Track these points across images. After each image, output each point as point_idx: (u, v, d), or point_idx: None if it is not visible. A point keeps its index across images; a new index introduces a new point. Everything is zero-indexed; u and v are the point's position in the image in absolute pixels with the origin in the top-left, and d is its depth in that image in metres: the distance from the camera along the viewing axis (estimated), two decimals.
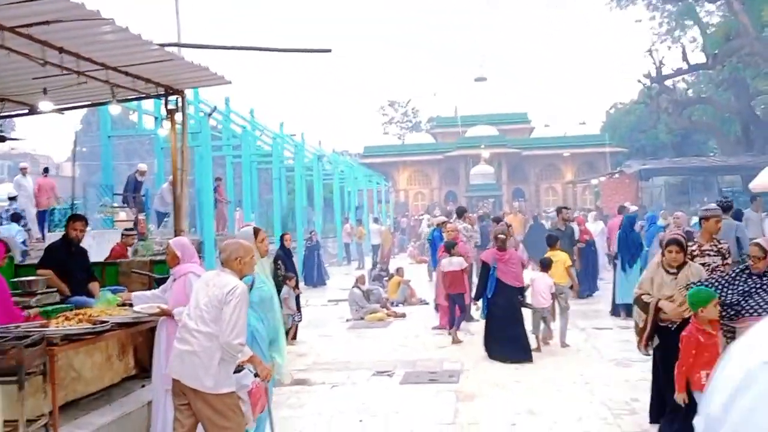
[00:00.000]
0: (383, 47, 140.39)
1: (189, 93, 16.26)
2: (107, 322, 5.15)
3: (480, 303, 9.26)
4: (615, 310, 11.64)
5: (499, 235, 9.15)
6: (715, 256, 6.23)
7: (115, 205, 14.82)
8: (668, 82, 45.07)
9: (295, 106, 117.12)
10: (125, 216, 14.92)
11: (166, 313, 5.23)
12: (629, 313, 11.39)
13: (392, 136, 71.94)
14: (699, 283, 5.19)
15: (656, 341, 5.59)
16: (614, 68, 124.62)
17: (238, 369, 5.00)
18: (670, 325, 5.38)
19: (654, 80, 43.20)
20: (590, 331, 10.37)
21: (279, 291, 9.54)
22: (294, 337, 10.31)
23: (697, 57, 40.41)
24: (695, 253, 6.14)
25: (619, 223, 13.90)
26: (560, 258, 10.00)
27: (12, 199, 14.72)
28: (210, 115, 15.51)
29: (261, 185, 28.20)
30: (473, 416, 6.33)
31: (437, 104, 69.91)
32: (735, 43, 27.86)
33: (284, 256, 11.29)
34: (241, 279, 4.67)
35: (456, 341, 9.84)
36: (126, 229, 11.15)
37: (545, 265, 9.65)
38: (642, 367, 7.63)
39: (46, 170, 17.17)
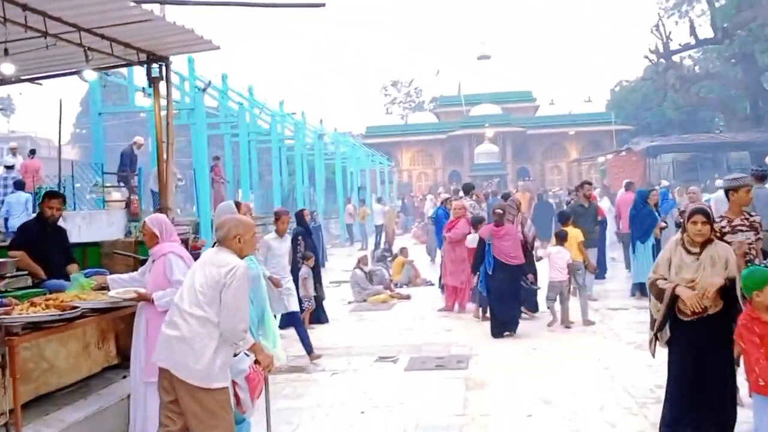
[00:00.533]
0: (385, 25, 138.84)
1: (182, 66, 15.84)
2: (78, 308, 4.63)
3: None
4: (633, 290, 11.12)
5: (497, 210, 9.03)
6: (747, 231, 5.46)
7: (108, 184, 14.26)
8: (675, 58, 44.21)
9: (296, 86, 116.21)
10: (119, 196, 14.39)
11: (145, 298, 4.71)
12: (644, 293, 10.93)
13: (395, 116, 71.14)
14: (750, 263, 4.61)
15: (667, 334, 4.69)
16: (620, 45, 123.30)
17: (235, 353, 4.54)
18: (688, 320, 4.49)
19: (661, 56, 42.36)
20: (605, 312, 9.84)
21: (297, 270, 9.11)
22: (310, 322, 9.40)
23: (705, 32, 39.52)
24: (725, 230, 5.37)
25: (630, 200, 13.55)
26: (573, 234, 9.57)
27: (9, 167, 14.26)
28: (205, 90, 14.90)
29: (261, 166, 27.67)
30: (484, 406, 5.82)
31: (440, 83, 68.68)
32: (747, 14, 27.07)
33: (305, 232, 9.95)
34: (242, 258, 4.16)
35: (484, 319, 9.38)
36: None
37: (561, 238, 9.44)
38: (665, 351, 7.11)
39: (32, 152, 16.56)
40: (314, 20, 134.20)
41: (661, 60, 42.95)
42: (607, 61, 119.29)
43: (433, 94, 73.24)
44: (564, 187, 42.07)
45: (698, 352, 4.49)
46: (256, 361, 4.52)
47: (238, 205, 5.77)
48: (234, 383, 4.58)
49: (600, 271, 12.74)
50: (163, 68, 7.50)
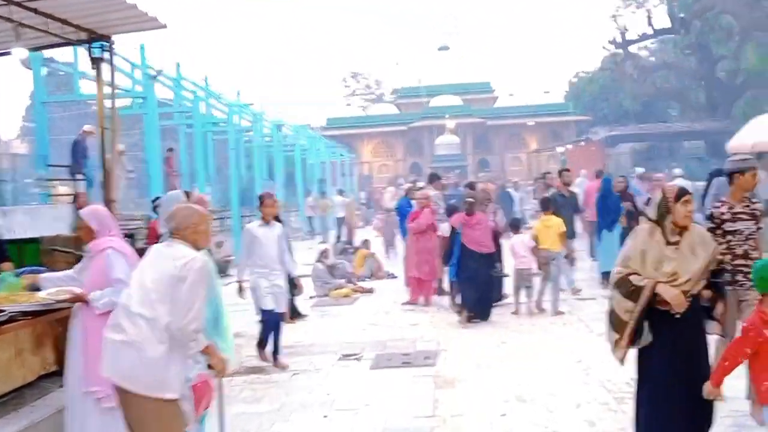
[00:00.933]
0: (342, 15, 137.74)
1: (134, 54, 15.18)
2: (5, 311, 4.14)
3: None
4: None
5: (468, 199, 9.01)
6: (748, 220, 4.89)
7: (54, 177, 13.52)
8: (633, 49, 44.62)
9: (255, 75, 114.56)
10: (66, 190, 13.67)
11: (81, 299, 4.23)
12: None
13: (356, 108, 70.60)
14: None
15: (647, 337, 3.96)
16: (578, 36, 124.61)
17: None
18: (673, 312, 3.90)
19: (619, 46, 42.70)
20: (573, 302, 9.60)
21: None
22: (291, 317, 8.93)
23: (663, 22, 39.87)
24: (725, 217, 4.84)
25: (597, 187, 13.41)
26: (554, 223, 9.33)
27: None
28: (156, 78, 14.24)
29: (220, 159, 27.01)
30: (455, 406, 5.48)
31: (400, 74, 68.39)
32: (705, 2, 27.24)
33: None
34: (197, 251, 3.72)
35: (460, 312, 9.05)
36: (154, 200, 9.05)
37: (515, 227, 9.65)
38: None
39: None
40: (275, 2, 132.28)
41: (619, 50, 43.30)
42: (566, 53, 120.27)
43: (394, 86, 72.92)
44: (521, 178, 42.28)
45: (683, 349, 3.94)
46: (209, 366, 4.12)
47: (188, 194, 5.32)
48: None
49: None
50: (106, 48, 6.99)
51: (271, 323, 6.93)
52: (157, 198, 8.67)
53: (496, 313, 9.03)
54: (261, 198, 7.20)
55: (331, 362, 7.10)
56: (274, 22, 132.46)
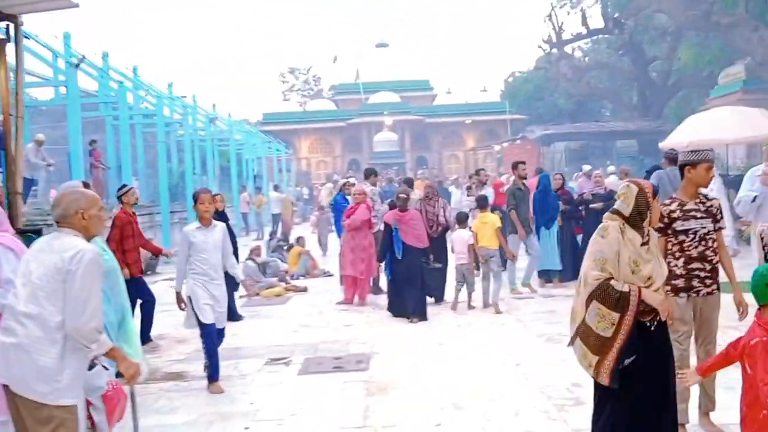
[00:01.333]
0: (281, 8, 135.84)
1: (57, 42, 14.29)
2: None
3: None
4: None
5: (401, 195, 8.97)
6: (703, 218, 4.38)
7: None
8: (568, 48, 45.30)
9: (190, 71, 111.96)
10: None
11: None
12: (548, 280, 10.62)
13: (294, 104, 69.68)
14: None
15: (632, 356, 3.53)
16: (514, 35, 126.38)
17: (91, 365, 3.67)
18: (648, 323, 3.59)
19: (553, 45, 43.27)
20: (510, 301, 9.40)
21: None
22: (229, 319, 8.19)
23: (597, 22, 40.58)
24: (675, 215, 4.35)
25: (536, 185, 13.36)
26: (490, 220, 9.22)
27: None
28: (78, 66, 13.41)
29: (152, 152, 26.08)
30: (388, 415, 5.11)
31: (339, 70, 67.78)
32: (640, 2, 27.71)
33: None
34: (88, 240, 3.34)
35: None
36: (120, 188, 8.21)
37: (461, 221, 9.52)
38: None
39: None
40: None
41: (554, 50, 43.90)
42: (502, 52, 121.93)
43: (332, 82, 72.30)
44: (460, 175, 42.40)
45: (656, 359, 3.61)
46: (118, 374, 3.67)
47: (86, 185, 4.79)
48: (88, 403, 3.73)
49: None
50: (12, 29, 6.38)
51: (212, 338, 5.91)
52: (123, 186, 8.13)
53: (434, 311, 8.76)
54: (195, 195, 6.07)
55: (258, 367, 6.65)
56: (212, 15, 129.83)
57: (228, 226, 7.44)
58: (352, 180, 12.67)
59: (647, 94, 40.64)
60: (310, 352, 7.11)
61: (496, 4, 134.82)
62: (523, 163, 11.04)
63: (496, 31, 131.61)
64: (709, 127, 14.65)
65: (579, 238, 11.22)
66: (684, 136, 15.28)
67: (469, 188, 11.56)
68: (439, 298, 9.55)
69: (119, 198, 7.98)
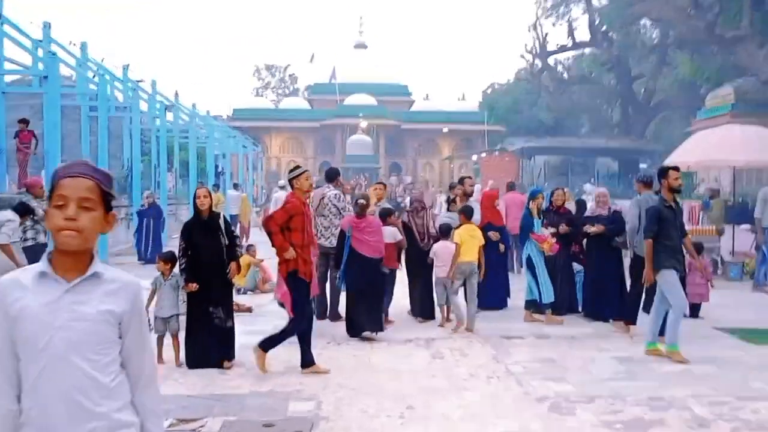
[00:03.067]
0: (260, 3, 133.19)
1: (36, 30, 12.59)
2: None
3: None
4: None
5: (360, 201, 8.19)
6: None
7: None
8: (551, 61, 44.08)
9: (151, 59, 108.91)
10: None
11: None
12: (540, 311, 8.93)
13: (266, 100, 67.55)
14: None
15: None
16: (496, 44, 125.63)
17: None
18: None
19: (537, 56, 42.02)
20: (497, 342, 7.65)
21: None
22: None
23: (584, 35, 39.35)
24: None
25: (518, 200, 11.89)
26: (478, 234, 8.35)
27: None
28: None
29: (111, 141, 24.17)
30: None
31: (315, 70, 65.92)
32: (639, 7, 26.35)
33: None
34: None
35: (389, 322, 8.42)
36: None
37: (445, 232, 8.62)
38: (597, 409, 4.96)
39: None
40: None
41: (537, 61, 42.65)
42: (482, 60, 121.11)
43: (308, 82, 70.42)
44: (435, 184, 40.85)
45: None
46: None
47: None
48: None
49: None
50: None
51: None
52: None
53: (407, 350, 6.99)
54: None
55: None
56: (190, 7, 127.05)
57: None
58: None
59: (630, 112, 39.51)
60: (234, 411, 5.25)
61: (478, 12, 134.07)
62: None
63: (477, 39, 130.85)
64: (717, 147, 13.16)
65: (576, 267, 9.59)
66: (689, 156, 13.81)
67: (451, 201, 9.68)
68: (428, 315, 8.86)
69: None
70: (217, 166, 29.56)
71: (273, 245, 6.39)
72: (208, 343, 6.36)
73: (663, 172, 7.04)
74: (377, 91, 59.01)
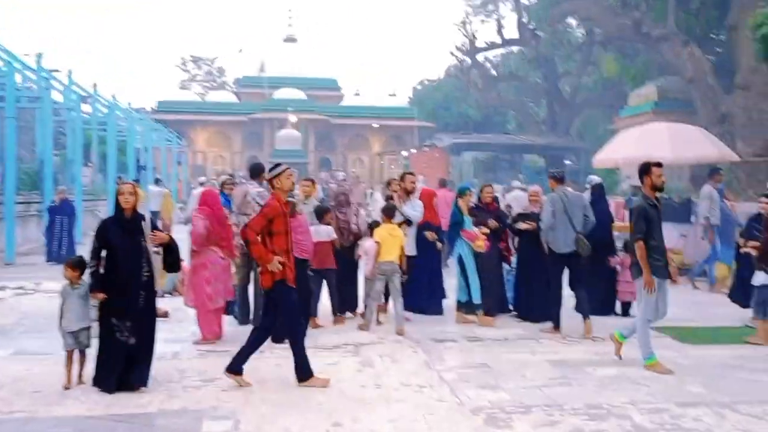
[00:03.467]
0: None
1: None
2: None
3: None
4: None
5: (289, 199, 7.33)
6: None
7: None
8: (480, 58, 44.42)
9: (71, 50, 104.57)
10: None
11: None
12: (471, 311, 8.65)
13: (192, 93, 65.65)
14: None
15: None
16: (426, 41, 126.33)
17: None
18: None
19: (466, 53, 42.24)
20: (429, 345, 7.31)
21: None
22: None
23: (512, 33, 39.71)
24: None
25: (449, 198, 11.52)
26: (399, 234, 8.07)
27: None
28: None
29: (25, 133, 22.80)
30: None
31: (243, 64, 64.72)
32: (566, 6, 26.61)
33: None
34: None
35: (340, 322, 8.35)
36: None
37: (372, 228, 8.51)
38: (534, 420, 4.66)
39: None
40: None
41: (466, 58, 42.87)
42: (413, 57, 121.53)
43: (236, 75, 68.89)
44: (366, 179, 40.52)
45: None
46: None
47: None
48: None
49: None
50: None
51: None
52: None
53: (333, 358, 6.54)
54: None
55: None
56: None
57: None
58: (227, 177, 10.37)
59: (556, 109, 40.19)
60: None
61: (409, 8, 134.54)
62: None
63: (408, 35, 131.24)
64: (645, 144, 13.20)
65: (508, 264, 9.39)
66: (617, 153, 13.85)
67: (390, 198, 9.16)
68: (353, 308, 8.78)
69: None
70: (138, 161, 28.35)
71: (252, 256, 5.90)
72: (114, 362, 5.60)
73: (646, 169, 6.45)
74: (307, 86, 58.24)
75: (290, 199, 7.56)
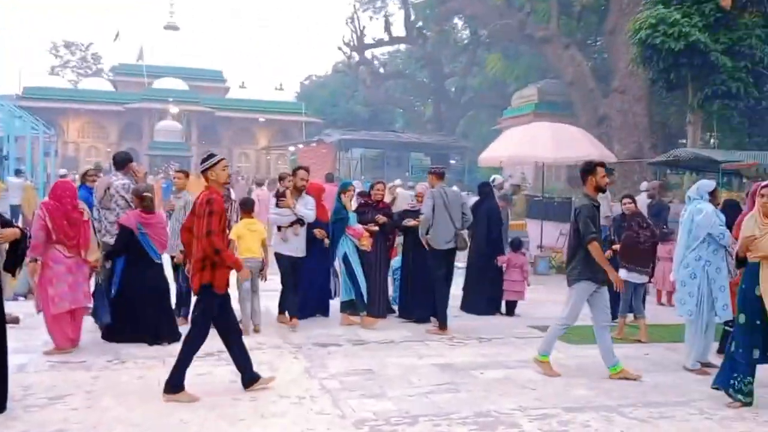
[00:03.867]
0: None
1: None
2: None
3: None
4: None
5: (145, 193, 7.18)
6: None
7: None
8: (368, 55, 44.38)
9: None
10: None
11: None
12: (355, 311, 8.29)
13: (64, 80, 61.69)
14: None
15: None
16: (314, 36, 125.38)
17: None
18: None
19: (354, 49, 42.08)
20: (310, 350, 6.87)
21: None
22: None
23: (400, 30, 39.87)
24: None
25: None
26: (258, 228, 7.70)
27: None
28: None
29: None
30: None
31: (121, 50, 61.41)
32: (453, 4, 26.83)
33: None
34: None
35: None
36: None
37: None
38: None
39: None
40: None
41: (354, 54, 42.71)
42: (301, 51, 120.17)
43: (113, 62, 65.34)
44: (252, 175, 39.41)
45: None
46: None
47: None
48: None
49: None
50: None
51: None
52: None
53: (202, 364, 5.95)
54: None
55: None
56: None
57: None
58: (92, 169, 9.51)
59: (442, 108, 40.76)
60: None
61: (298, 1, 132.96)
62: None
63: (296, 30, 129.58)
64: (529, 144, 13.37)
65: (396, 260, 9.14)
66: (501, 152, 13.95)
67: (280, 195, 8.44)
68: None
69: None
70: None
71: (225, 265, 5.26)
72: None
73: (590, 169, 6.13)
74: (189, 76, 56.12)
75: (146, 193, 7.00)
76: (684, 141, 20.50)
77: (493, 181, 9.86)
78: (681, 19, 14.73)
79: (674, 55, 14.80)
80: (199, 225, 5.23)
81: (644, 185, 13.69)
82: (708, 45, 14.80)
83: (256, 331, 7.52)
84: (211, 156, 5.59)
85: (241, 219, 7.85)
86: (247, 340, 7.08)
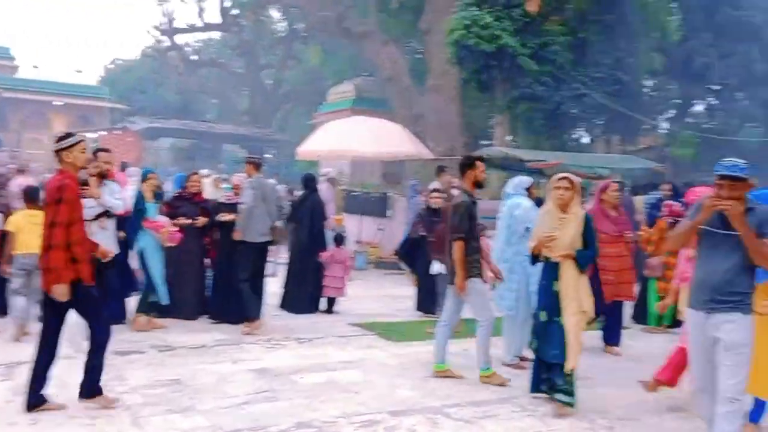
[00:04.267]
0: None
1: None
2: None
3: None
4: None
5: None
6: None
7: None
8: (181, 41, 42.28)
9: None
10: None
11: None
12: (160, 314, 7.54)
13: None
14: None
15: None
16: (123, 17, 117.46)
17: None
18: None
19: (165, 34, 39.88)
20: (108, 360, 6.05)
21: None
22: None
23: (214, 17, 38.33)
24: None
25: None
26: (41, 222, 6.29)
27: None
28: None
29: None
30: None
31: None
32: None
33: None
34: None
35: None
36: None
37: None
38: None
39: None
40: None
41: (165, 39, 40.50)
42: (104, 34, 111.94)
43: None
44: (45, 162, 35.97)
45: None
46: None
47: None
48: None
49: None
50: None
51: None
52: None
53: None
54: None
55: None
56: None
57: None
58: None
59: (258, 100, 39.86)
60: None
61: None
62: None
63: (100, 11, 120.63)
64: (348, 138, 13.20)
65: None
66: (320, 146, 13.64)
67: (83, 184, 7.27)
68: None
69: None
70: None
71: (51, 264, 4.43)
72: None
73: (469, 163, 5.86)
74: None
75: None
76: (486, 142, 21.56)
77: (326, 174, 9.54)
78: (492, 22, 15.33)
79: (486, 57, 15.37)
80: (47, 214, 4.48)
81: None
82: (516, 49, 15.53)
83: (25, 333, 6.52)
84: (69, 135, 4.73)
85: (21, 209, 6.81)
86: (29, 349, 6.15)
